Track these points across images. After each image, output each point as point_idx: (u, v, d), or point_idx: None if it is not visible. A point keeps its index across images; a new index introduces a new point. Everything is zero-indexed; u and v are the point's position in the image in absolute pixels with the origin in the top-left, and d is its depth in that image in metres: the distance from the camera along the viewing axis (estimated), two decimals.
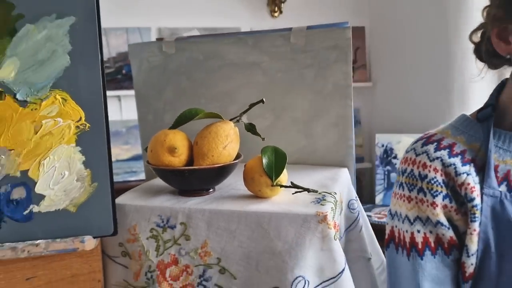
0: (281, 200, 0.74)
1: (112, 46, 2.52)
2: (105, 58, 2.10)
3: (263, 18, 2.71)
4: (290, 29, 0.93)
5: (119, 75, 2.53)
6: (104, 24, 2.29)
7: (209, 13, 2.62)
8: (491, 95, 0.76)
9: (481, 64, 0.77)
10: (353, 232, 0.89)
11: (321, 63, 0.92)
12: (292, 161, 0.99)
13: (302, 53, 0.93)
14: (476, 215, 0.66)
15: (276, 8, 2.67)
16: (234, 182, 0.84)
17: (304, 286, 0.67)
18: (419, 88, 2.43)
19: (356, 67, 2.86)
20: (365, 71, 2.88)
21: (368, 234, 0.93)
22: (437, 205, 0.67)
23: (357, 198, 0.95)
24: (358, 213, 0.91)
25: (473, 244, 0.66)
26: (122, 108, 2.53)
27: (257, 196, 0.76)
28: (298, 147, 0.99)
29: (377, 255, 0.96)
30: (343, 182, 0.89)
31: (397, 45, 2.62)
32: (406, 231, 0.70)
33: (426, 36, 2.33)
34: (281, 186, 0.73)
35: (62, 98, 0.70)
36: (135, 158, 2.52)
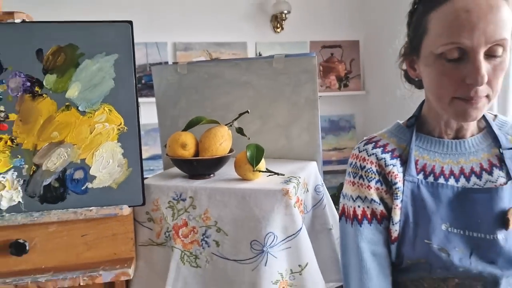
0: (259, 181, 1.04)
1: None
2: None
3: (267, 33, 2.98)
4: (272, 56, 1.23)
5: (139, 84, 2.85)
6: None
7: (219, 29, 2.90)
8: (417, 108, 1.03)
9: (409, 85, 1.05)
10: (318, 209, 1.19)
11: (295, 83, 1.22)
12: (274, 156, 1.29)
13: (282, 75, 1.23)
14: (398, 195, 0.86)
15: (278, 25, 2.95)
16: (228, 169, 1.14)
17: (273, 239, 0.97)
18: (408, 97, 2.68)
19: (351, 77, 3.14)
20: (359, 80, 3.15)
21: (331, 211, 1.22)
22: (371, 188, 0.89)
23: (323, 184, 1.24)
24: (323, 195, 1.20)
25: (397, 216, 0.86)
26: (141, 113, 2.84)
27: (243, 178, 1.06)
28: (279, 145, 1.29)
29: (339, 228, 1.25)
30: (310, 171, 1.19)
31: (389, 57, 2.85)
32: (350, 207, 0.91)
33: None
34: (260, 171, 1.03)
35: (108, 109, 1.01)
36: (152, 158, 2.82)
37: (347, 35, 3.10)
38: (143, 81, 2.83)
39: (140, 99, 2.74)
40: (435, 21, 0.80)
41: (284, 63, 1.22)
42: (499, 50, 0.75)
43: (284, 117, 1.26)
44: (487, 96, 0.78)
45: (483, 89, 0.76)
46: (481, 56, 0.75)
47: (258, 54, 2.97)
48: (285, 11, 2.86)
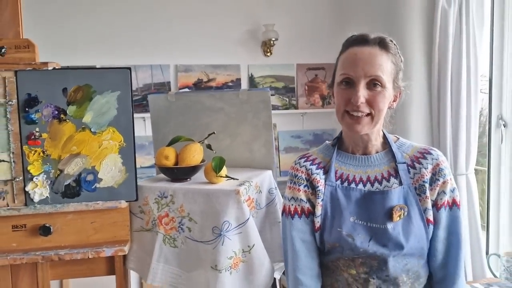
0: (220, 184, 1.41)
1: (140, 79, 3.20)
2: (134, 88, 2.70)
3: (258, 57, 3.33)
4: (239, 89, 1.61)
5: (144, 101, 3.20)
6: (134, 62, 3.03)
7: (215, 53, 3.25)
8: (340, 132, 1.26)
9: None
10: (271, 206, 1.54)
11: (255, 110, 1.59)
12: (240, 166, 1.66)
13: (246, 104, 1.61)
14: (320, 195, 1.12)
15: (268, 50, 3.32)
16: (201, 175, 1.51)
17: (228, 226, 1.33)
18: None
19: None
20: None
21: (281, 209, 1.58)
22: (300, 190, 1.15)
23: (277, 187, 1.60)
24: (275, 196, 1.56)
25: (318, 211, 1.11)
26: (146, 126, 3.20)
27: (209, 182, 1.43)
28: (244, 158, 1.65)
29: None
30: (264, 177, 1.55)
31: None
32: (287, 205, 1.17)
33: None
34: (221, 176, 1.40)
35: (112, 130, 1.40)
36: (154, 166, 3.20)
37: (330, 58, 3.40)
38: (148, 99, 3.21)
39: (145, 115, 3.14)
40: (340, 62, 1.13)
41: (247, 95, 1.60)
42: (377, 84, 1.07)
43: (247, 135, 1.63)
44: (370, 115, 1.08)
45: (363, 108, 1.07)
46: (362, 84, 1.06)
47: (250, 75, 3.35)
48: (273, 38, 3.23)
